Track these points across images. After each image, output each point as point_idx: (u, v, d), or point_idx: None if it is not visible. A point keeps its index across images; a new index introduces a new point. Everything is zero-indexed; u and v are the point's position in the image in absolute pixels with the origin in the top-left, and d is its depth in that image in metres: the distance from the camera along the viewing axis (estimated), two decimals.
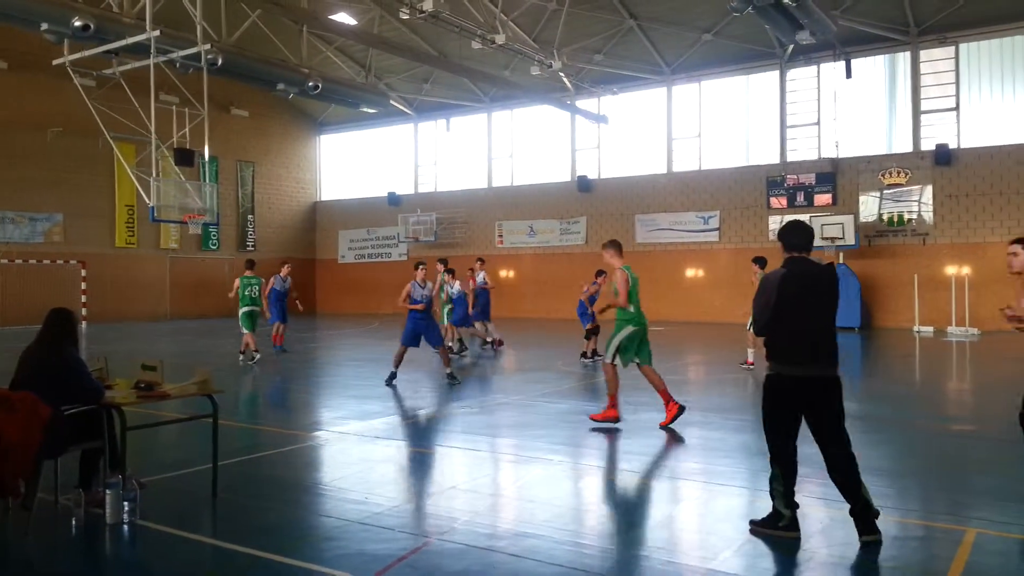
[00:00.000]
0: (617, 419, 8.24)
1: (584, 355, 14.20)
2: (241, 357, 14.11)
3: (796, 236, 4.85)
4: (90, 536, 4.83)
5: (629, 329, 8.38)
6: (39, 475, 4.81)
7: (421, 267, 11.63)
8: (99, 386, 5.20)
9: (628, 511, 5.51)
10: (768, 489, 4.85)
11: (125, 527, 4.81)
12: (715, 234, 25.34)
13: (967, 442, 7.83)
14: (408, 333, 11.29)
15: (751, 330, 11.87)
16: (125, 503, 4.81)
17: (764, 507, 5.50)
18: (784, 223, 5.07)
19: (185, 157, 19.45)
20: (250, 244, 31.84)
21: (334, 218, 34.28)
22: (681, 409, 8.24)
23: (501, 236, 29.62)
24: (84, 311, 23.76)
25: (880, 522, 5.06)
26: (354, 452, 7.36)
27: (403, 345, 11.32)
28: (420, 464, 6.91)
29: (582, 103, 27.12)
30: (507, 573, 4.28)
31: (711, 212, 25.38)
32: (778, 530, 4.73)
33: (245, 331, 14.15)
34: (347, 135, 34.53)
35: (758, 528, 4.82)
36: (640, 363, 8.45)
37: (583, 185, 27.60)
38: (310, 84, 20.78)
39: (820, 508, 5.44)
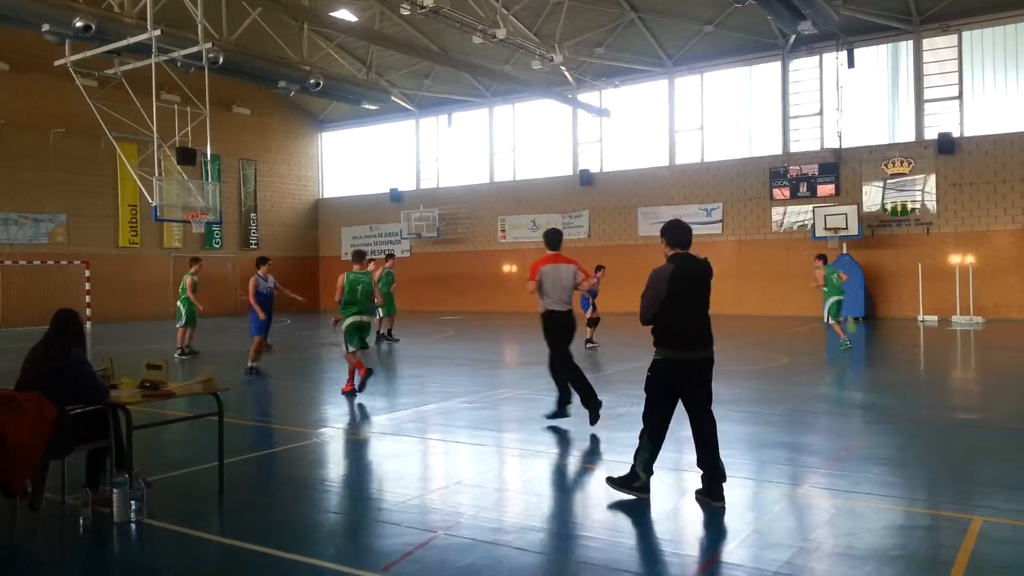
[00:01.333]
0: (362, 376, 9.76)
1: (589, 341, 15.27)
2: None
3: (679, 234, 5.37)
4: (97, 535, 4.85)
5: (349, 320, 10.11)
6: (46, 475, 4.83)
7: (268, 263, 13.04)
8: (105, 386, 5.22)
9: (633, 504, 5.52)
10: (635, 452, 5.43)
11: (132, 526, 4.83)
12: (718, 226, 25.30)
13: (972, 431, 7.82)
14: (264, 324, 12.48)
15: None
16: (132, 502, 4.83)
17: (770, 497, 5.53)
18: (667, 223, 5.52)
19: (187, 156, 19.47)
20: (253, 242, 31.87)
21: (337, 215, 34.30)
22: (369, 372, 9.78)
23: (503, 231, 29.61)
24: (88, 311, 23.77)
25: (887, 512, 5.08)
26: (360, 448, 7.38)
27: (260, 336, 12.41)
28: (425, 459, 6.92)
29: (584, 96, 27.07)
30: (514, 567, 4.29)
31: (714, 204, 25.34)
32: (632, 489, 5.33)
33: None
34: (348, 132, 34.52)
35: (615, 484, 5.40)
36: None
37: (585, 179, 27.57)
38: (311, 81, 20.80)
39: (826, 498, 5.44)
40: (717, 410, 8.96)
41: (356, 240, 33.49)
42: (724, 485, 5.27)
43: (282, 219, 33.44)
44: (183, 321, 14.94)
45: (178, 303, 15.18)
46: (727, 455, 6.78)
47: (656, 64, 25.96)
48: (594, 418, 7.76)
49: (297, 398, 10.92)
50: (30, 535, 4.80)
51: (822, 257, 14.62)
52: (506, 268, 29.09)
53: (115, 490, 4.84)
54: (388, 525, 4.91)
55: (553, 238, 8.31)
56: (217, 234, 30.08)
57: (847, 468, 6.21)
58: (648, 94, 27.04)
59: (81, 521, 4.95)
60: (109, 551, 4.69)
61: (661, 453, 6.79)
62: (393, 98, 28.01)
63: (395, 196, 31.96)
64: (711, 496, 5.21)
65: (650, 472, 5.36)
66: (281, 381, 12.46)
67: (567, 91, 26.47)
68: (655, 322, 5.29)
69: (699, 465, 5.33)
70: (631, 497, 5.40)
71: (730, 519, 5.10)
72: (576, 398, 8.01)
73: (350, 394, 9.94)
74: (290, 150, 33.91)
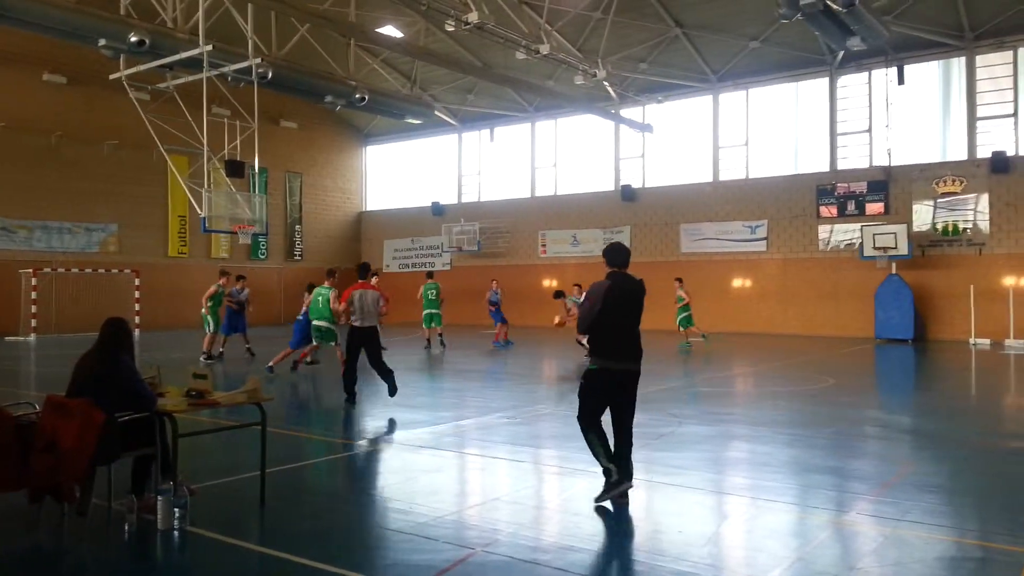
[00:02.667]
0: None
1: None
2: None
3: (618, 256, 5.88)
4: (142, 542, 4.93)
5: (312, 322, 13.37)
6: (93, 481, 4.93)
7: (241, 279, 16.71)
8: (152, 394, 5.31)
9: (673, 526, 5.43)
10: (594, 457, 5.84)
11: (176, 533, 4.90)
12: (763, 243, 24.94)
13: None
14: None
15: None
16: (176, 509, 4.90)
17: (815, 524, 5.39)
18: (608, 245, 6.04)
19: (236, 168, 19.88)
20: (297, 254, 32.36)
21: (379, 228, 34.66)
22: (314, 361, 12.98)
23: (544, 246, 29.59)
24: (137, 319, 24.37)
25: (937, 542, 4.92)
26: (398, 461, 7.39)
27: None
28: (463, 474, 6.91)
29: (626, 112, 27.00)
30: None
31: (759, 221, 25.00)
32: (614, 486, 5.67)
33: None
34: (392, 146, 34.93)
35: (603, 497, 5.66)
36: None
37: (627, 194, 27.44)
38: (357, 96, 21.12)
39: (873, 526, 5.29)
40: (761, 432, 8.82)
41: (398, 252, 33.80)
42: (631, 484, 5.81)
43: (326, 231, 33.91)
44: (211, 328, 16.08)
45: (204, 312, 16.28)
46: (773, 479, 6.67)
47: (700, 80, 25.79)
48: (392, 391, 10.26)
49: (338, 409, 11.02)
50: (77, 540, 4.90)
51: (679, 279, 20.05)
52: (546, 283, 29.03)
53: (160, 497, 4.91)
54: (425, 540, 4.90)
55: (363, 271, 10.76)
56: (263, 245, 30.63)
57: (895, 495, 6.03)
58: (692, 110, 26.86)
59: (126, 527, 5.04)
60: (153, 558, 4.76)
61: (706, 472, 6.65)
62: (436, 113, 28.28)
63: (437, 209, 32.19)
64: (617, 491, 5.70)
65: (613, 460, 5.77)
66: (322, 392, 12.59)
67: (610, 106, 26.43)
68: (591, 333, 5.79)
69: (619, 456, 5.84)
70: (684, 521, 5.30)
71: (774, 545, 4.98)
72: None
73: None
74: (335, 163, 34.42)
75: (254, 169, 19.87)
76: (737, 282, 25.45)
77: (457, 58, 24.52)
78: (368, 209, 35.54)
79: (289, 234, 32.23)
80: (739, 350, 19.59)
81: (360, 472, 7.10)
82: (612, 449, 5.82)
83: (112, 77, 18.89)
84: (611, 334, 5.71)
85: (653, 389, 12.19)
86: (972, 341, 20.57)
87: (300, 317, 14.68)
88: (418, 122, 27.03)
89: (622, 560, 4.61)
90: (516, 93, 28.37)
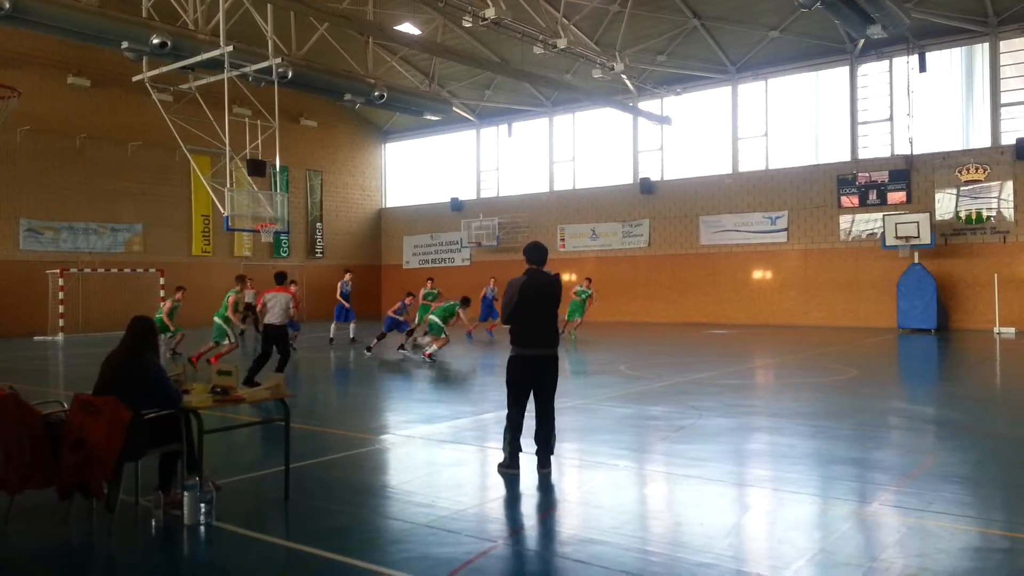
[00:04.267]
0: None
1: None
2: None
3: (535, 253, 6.46)
4: (169, 537, 5.01)
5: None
6: (121, 477, 5.02)
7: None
8: (178, 391, 5.40)
9: (694, 519, 5.43)
10: (504, 439, 6.40)
11: (202, 528, 4.98)
12: (783, 234, 24.75)
13: None
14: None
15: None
16: (202, 505, 4.98)
17: (837, 515, 5.37)
18: (528, 244, 6.54)
19: (257, 167, 20.04)
20: (319, 251, 32.60)
21: (399, 224, 34.81)
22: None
23: (563, 240, 29.57)
24: None
25: (961, 533, 4.90)
26: (420, 455, 7.45)
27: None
28: (485, 468, 6.95)
29: (644, 104, 26.88)
30: None
31: (779, 212, 24.81)
32: (504, 469, 6.34)
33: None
34: (411, 142, 35.05)
35: (502, 470, 6.35)
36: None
37: (646, 187, 27.34)
38: (376, 94, 21.22)
39: (897, 517, 5.26)
40: (783, 423, 8.80)
41: (418, 248, 33.93)
42: (553, 459, 6.45)
43: (346, 228, 34.11)
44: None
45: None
46: (795, 470, 6.65)
47: (719, 71, 25.60)
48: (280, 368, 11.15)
49: (360, 404, 11.11)
50: (106, 535, 4.99)
51: (588, 279, 21.39)
52: (565, 277, 29.01)
53: (186, 493, 5.00)
54: (447, 533, 4.95)
55: (279, 279, 11.90)
56: (285, 243, 30.88)
57: (919, 486, 5.99)
58: (710, 101, 26.68)
59: (153, 522, 5.13)
60: (179, 552, 4.84)
61: (727, 464, 6.66)
62: (455, 109, 28.35)
63: (456, 205, 32.27)
64: (539, 464, 6.36)
65: (517, 449, 6.33)
66: (345, 387, 12.70)
67: (628, 99, 26.33)
68: (511, 324, 6.36)
69: (535, 441, 6.39)
70: (705, 514, 5.30)
71: (797, 537, 4.98)
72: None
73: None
74: (355, 161, 34.60)
75: (275, 168, 20.06)
76: (758, 274, 25.28)
77: (474, 54, 24.53)
78: (388, 206, 35.70)
79: (310, 232, 32.47)
80: (761, 342, 19.47)
81: (382, 467, 7.16)
82: (517, 438, 6.35)
83: (135, 79, 19.13)
84: (526, 324, 6.28)
85: (676, 381, 12.16)
86: (997, 330, 20.29)
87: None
88: (436, 118, 27.09)
89: (643, 553, 4.62)
90: (534, 88, 28.34)
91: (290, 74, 18.51)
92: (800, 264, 24.33)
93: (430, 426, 8.77)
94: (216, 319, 14.90)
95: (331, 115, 32.09)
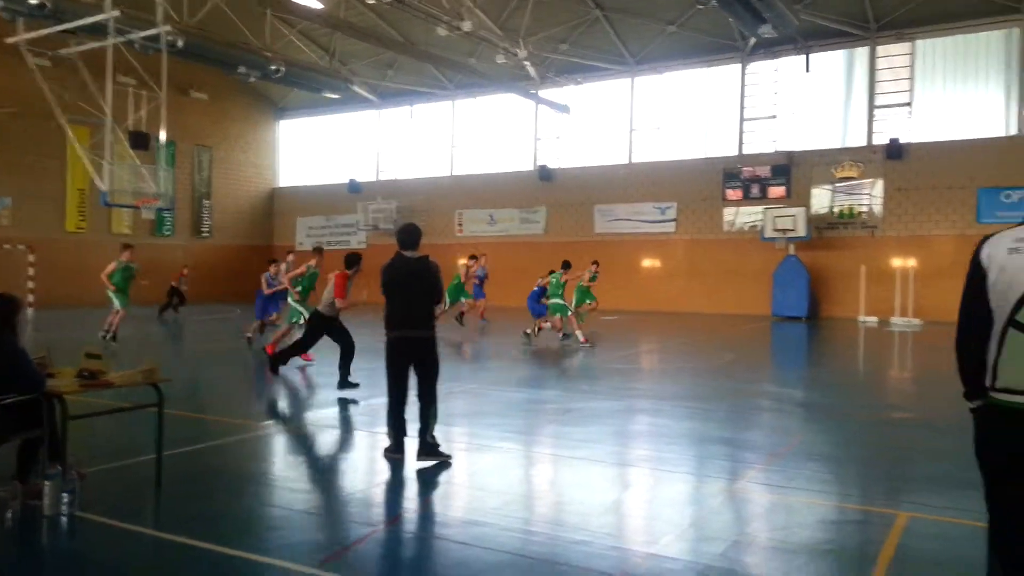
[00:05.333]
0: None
1: (529, 332, 15.70)
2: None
3: (403, 236, 6.49)
4: (27, 528, 4.73)
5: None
6: None
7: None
8: (40, 375, 5.08)
9: (576, 498, 5.58)
10: (388, 423, 6.39)
11: (63, 519, 4.73)
12: (672, 225, 25.61)
13: (906, 429, 8.06)
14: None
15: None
16: (64, 494, 4.72)
17: (708, 492, 5.63)
18: (400, 226, 6.71)
19: (140, 140, 19.03)
20: (205, 230, 31.32)
21: (292, 205, 33.86)
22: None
23: (461, 225, 29.56)
24: (31, 297, 23.17)
25: (819, 507, 5.22)
26: (304, 442, 7.32)
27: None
28: (369, 453, 6.89)
29: (546, 92, 27.13)
30: (454, 560, 4.31)
31: (668, 203, 25.63)
32: (395, 453, 6.30)
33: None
34: (308, 120, 34.09)
35: (388, 455, 6.32)
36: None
37: (544, 174, 27.65)
38: (272, 68, 20.49)
39: (762, 493, 5.56)
40: (662, 405, 9.14)
41: (312, 230, 33.13)
42: (436, 445, 6.31)
43: (236, 207, 32.89)
44: (119, 305, 14.42)
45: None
46: (672, 450, 6.93)
47: (619, 62, 26.12)
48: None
49: (246, 390, 10.79)
50: None
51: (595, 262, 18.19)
52: (462, 262, 29.04)
53: (47, 482, 4.73)
54: (328, 519, 4.89)
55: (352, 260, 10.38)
56: (168, 221, 29.47)
57: (784, 464, 6.36)
58: (609, 92, 27.21)
59: (9, 514, 4.82)
60: (37, 544, 4.58)
61: (609, 445, 6.87)
62: (355, 88, 27.69)
63: (353, 187, 31.67)
64: (419, 456, 6.21)
65: (399, 433, 6.33)
66: (226, 373, 12.28)
67: (530, 86, 26.51)
68: (386, 306, 6.48)
69: (420, 419, 6.34)
70: (585, 493, 5.43)
71: (670, 512, 5.20)
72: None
73: None
74: (247, 137, 33.36)
75: (160, 141, 19.06)
76: (647, 262, 26.08)
77: (377, 32, 24.07)
78: (281, 185, 34.65)
79: (196, 210, 31.13)
80: (648, 328, 20.13)
81: (262, 453, 6.99)
82: (399, 422, 6.36)
83: (10, 41, 17.76)
84: (393, 307, 6.36)
85: (567, 366, 12.42)
86: (862, 319, 21.71)
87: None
88: (336, 97, 26.46)
89: (525, 533, 4.71)
90: (437, 70, 28.10)
91: (180, 43, 17.58)
92: (687, 253, 25.24)
93: (319, 411, 8.62)
94: (291, 302, 12.98)
95: (223, 88, 30.75)
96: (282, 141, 34.88)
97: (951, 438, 7.07)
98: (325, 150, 33.69)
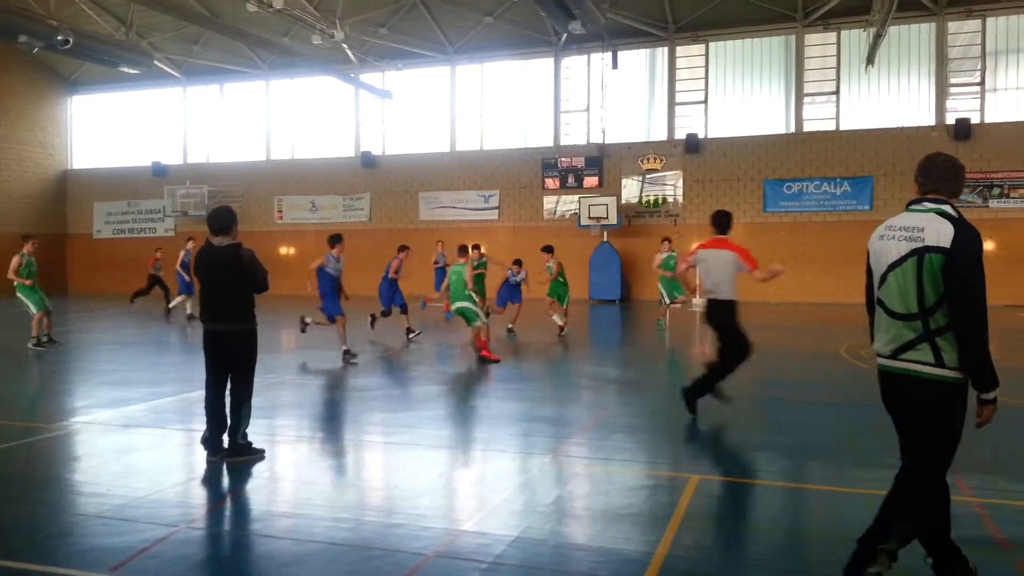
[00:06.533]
0: None
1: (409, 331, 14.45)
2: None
3: (211, 221, 6.13)
4: None
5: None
6: None
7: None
8: None
9: (391, 483, 5.62)
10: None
11: None
12: (495, 212, 26.14)
13: (701, 400, 8.79)
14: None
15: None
16: None
17: (523, 467, 5.86)
18: (209, 210, 6.54)
19: None
20: None
21: (89, 189, 31.00)
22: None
23: (280, 212, 28.47)
24: None
25: (618, 475, 5.59)
26: (99, 442, 6.81)
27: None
28: (166, 452, 6.54)
29: (366, 77, 26.65)
30: (260, 554, 4.23)
31: (491, 191, 26.12)
32: (210, 453, 6.03)
33: None
34: (105, 96, 31.24)
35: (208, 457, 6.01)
36: None
37: (367, 161, 27.22)
38: (59, 38, 18.52)
39: (570, 466, 5.88)
40: (485, 387, 9.38)
41: (112, 217, 30.57)
42: (246, 445, 6.10)
43: (22, 191, 29.64)
44: (35, 308, 12.80)
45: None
46: (489, 429, 7.14)
47: (439, 50, 26.16)
48: None
49: (34, 390, 9.83)
50: None
51: (548, 249, 16.76)
52: (283, 251, 28.04)
53: None
54: (122, 522, 4.60)
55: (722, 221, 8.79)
56: None
57: (591, 437, 6.76)
58: (431, 80, 27.20)
59: None
60: None
61: (426, 429, 6.97)
62: (156, 63, 25.82)
63: (158, 170, 29.51)
64: (230, 452, 6.00)
65: (213, 432, 6.06)
66: (18, 372, 11.13)
67: (349, 70, 25.92)
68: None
69: (230, 416, 6.11)
70: (402, 477, 5.46)
71: (483, 490, 5.38)
72: None
73: None
74: (33, 114, 30.08)
75: None
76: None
77: (179, 4, 22.47)
78: (75, 167, 31.63)
79: None
80: None
81: (53, 457, 6.43)
82: (210, 414, 6.12)
83: None
84: (202, 298, 6.23)
85: (391, 352, 12.37)
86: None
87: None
88: (135, 72, 24.40)
89: (336, 521, 4.69)
90: (248, 48, 26.73)
91: None
92: (510, 240, 25.87)
93: (124, 409, 8.02)
94: (462, 304, 11.44)
95: (3, 59, 27.54)
96: (75, 119, 31.79)
97: (736, 407, 7.81)
98: (125, 129, 31.07)
